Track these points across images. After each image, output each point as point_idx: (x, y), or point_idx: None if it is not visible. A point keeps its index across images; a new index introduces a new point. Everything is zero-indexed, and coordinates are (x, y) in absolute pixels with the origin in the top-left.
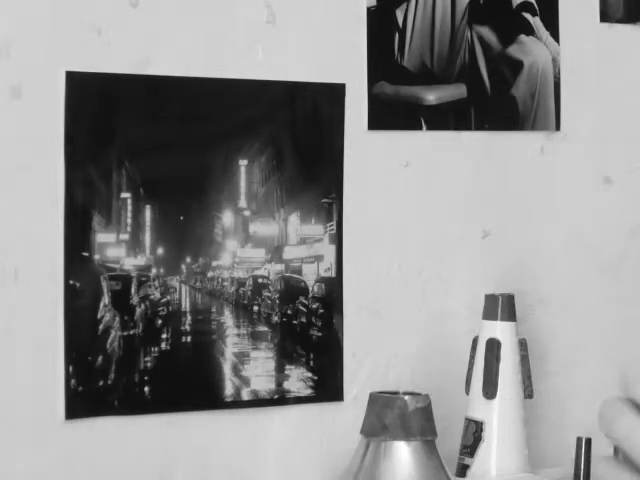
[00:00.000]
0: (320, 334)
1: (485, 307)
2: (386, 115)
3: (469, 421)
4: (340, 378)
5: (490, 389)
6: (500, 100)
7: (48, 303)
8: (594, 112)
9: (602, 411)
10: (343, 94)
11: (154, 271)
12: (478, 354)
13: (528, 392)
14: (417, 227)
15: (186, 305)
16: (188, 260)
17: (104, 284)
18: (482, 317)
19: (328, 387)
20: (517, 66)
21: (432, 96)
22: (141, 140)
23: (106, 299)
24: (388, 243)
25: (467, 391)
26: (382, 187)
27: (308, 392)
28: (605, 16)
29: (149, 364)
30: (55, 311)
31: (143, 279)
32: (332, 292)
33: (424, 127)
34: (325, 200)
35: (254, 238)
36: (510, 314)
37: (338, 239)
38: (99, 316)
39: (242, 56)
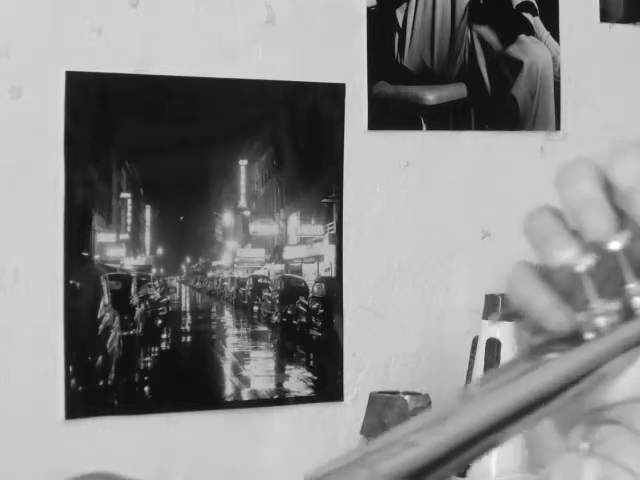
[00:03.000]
0: (320, 334)
1: (485, 307)
2: (386, 115)
3: None
4: (340, 378)
5: None
6: (500, 100)
7: (48, 303)
8: (594, 112)
9: (511, 276)
10: (343, 94)
11: (154, 271)
12: (478, 354)
13: None
14: (417, 227)
15: (186, 305)
16: (188, 260)
17: (104, 284)
18: (482, 317)
19: (328, 387)
20: (517, 66)
21: (432, 96)
22: (141, 140)
23: (106, 299)
24: (388, 243)
25: None
26: (382, 187)
27: (308, 392)
28: (605, 16)
29: (149, 364)
30: (55, 311)
31: (143, 279)
32: (332, 292)
33: (424, 127)
34: (325, 200)
35: (254, 238)
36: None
37: (338, 239)
38: (99, 316)
39: (242, 56)
